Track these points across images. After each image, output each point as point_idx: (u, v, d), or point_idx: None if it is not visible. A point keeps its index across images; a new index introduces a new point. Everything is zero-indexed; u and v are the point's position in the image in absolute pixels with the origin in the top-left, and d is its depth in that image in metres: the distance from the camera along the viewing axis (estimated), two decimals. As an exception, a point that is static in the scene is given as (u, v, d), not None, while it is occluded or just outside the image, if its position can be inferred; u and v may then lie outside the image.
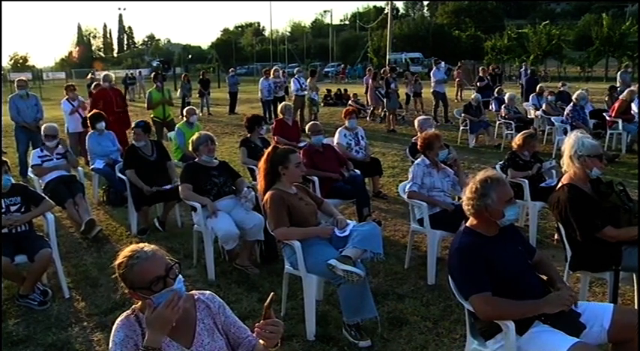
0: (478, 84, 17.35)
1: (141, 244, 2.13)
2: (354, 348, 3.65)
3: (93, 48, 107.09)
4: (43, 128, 6.79)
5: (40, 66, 77.16)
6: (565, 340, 2.52)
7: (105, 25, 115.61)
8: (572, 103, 10.47)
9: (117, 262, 2.10)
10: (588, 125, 10.26)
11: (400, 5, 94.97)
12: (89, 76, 21.07)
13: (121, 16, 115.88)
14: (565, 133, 10.32)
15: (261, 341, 2.10)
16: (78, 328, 4.06)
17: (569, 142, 3.76)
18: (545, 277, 2.96)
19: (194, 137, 5.39)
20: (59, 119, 11.13)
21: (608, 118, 10.73)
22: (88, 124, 7.90)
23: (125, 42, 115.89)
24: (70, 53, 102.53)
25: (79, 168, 6.87)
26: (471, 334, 2.98)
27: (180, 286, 2.08)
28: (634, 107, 10.55)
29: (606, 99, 12.97)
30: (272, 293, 2.10)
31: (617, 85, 15.14)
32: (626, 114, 10.42)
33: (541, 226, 6.00)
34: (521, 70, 24.90)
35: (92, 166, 7.49)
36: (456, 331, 3.84)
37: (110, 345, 2.07)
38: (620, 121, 10.35)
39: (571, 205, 3.57)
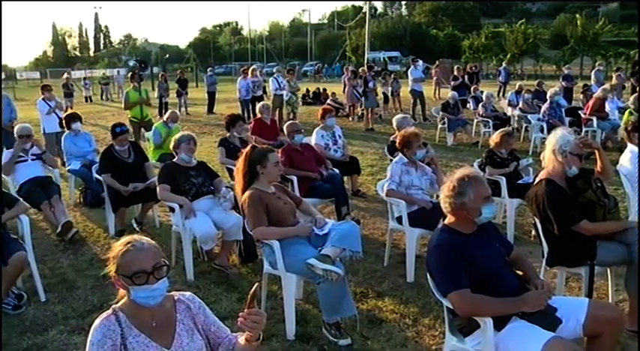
0: (452, 83, 17.51)
1: (143, 237, 2.18)
2: (334, 347, 3.65)
3: (68, 47, 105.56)
4: (16, 129, 6.62)
5: (13, 65, 75.74)
6: (541, 334, 2.56)
7: (81, 24, 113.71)
8: (548, 101, 10.62)
9: (116, 243, 2.15)
10: (564, 123, 10.41)
11: (378, 4, 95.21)
12: (64, 75, 20.77)
13: (97, 14, 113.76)
14: (541, 130, 10.48)
15: (241, 339, 2.11)
16: (54, 332, 3.98)
17: (555, 136, 3.79)
18: (521, 273, 3.00)
19: (177, 135, 5.36)
20: (33, 119, 10.97)
21: (583, 116, 10.90)
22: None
23: (102, 41, 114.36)
24: (45, 53, 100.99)
25: (55, 169, 6.75)
26: (450, 331, 3.00)
27: (163, 288, 2.10)
28: (607, 105, 10.74)
29: (581, 97, 13.18)
30: (256, 283, 2.12)
31: (591, 83, 15.36)
32: (600, 112, 10.60)
33: (518, 223, 6.07)
34: (500, 68, 25.18)
35: (68, 168, 7.38)
36: (435, 328, 3.87)
37: (87, 345, 2.05)
38: (594, 119, 10.51)
39: (549, 198, 3.61)
